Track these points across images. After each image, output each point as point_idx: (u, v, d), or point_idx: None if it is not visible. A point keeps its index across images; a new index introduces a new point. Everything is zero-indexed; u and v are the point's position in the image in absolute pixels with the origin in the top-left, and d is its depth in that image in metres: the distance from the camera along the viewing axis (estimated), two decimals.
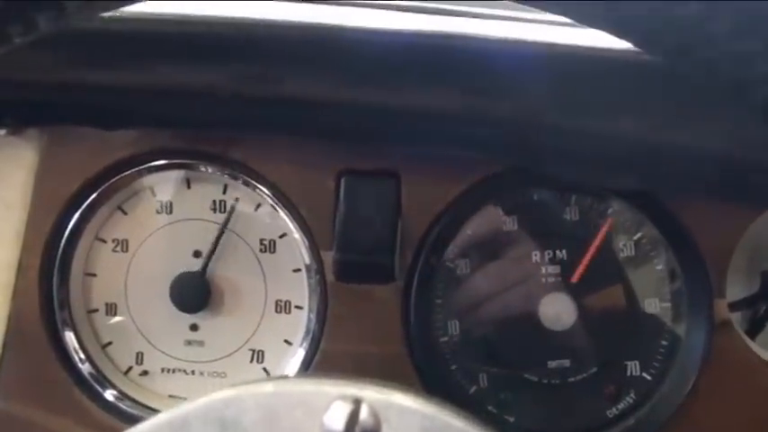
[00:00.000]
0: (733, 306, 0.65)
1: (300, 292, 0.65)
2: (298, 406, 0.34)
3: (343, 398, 0.33)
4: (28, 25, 0.34)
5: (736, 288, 0.68)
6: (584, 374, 0.64)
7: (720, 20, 0.30)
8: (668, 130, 0.55)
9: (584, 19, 0.34)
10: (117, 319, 0.68)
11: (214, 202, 0.66)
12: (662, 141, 0.56)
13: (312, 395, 0.34)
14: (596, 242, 0.63)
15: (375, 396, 0.33)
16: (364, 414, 0.33)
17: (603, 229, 0.63)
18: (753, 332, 0.70)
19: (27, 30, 0.34)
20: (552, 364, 0.64)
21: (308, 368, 0.64)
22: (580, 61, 0.55)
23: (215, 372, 0.67)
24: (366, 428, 0.33)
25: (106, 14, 0.55)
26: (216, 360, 0.67)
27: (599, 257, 0.64)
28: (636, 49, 0.53)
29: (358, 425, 0.33)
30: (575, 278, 0.63)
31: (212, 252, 0.65)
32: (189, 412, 0.33)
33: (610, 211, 0.64)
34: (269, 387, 0.34)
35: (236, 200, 0.66)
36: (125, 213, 0.67)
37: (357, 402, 0.33)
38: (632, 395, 0.64)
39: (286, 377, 0.60)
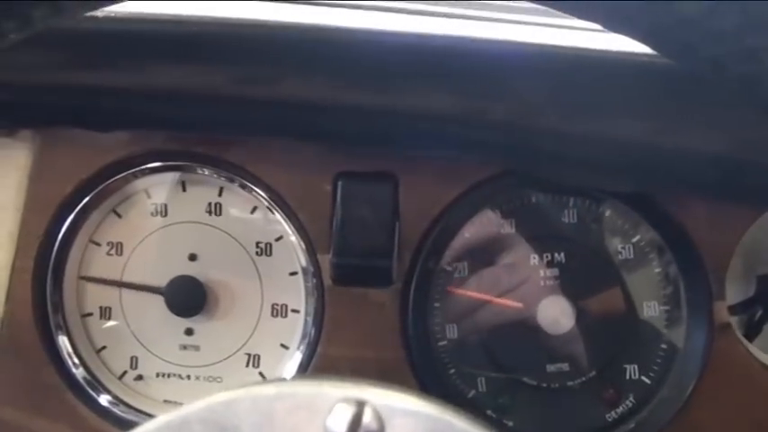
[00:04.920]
0: (730, 310, 0.65)
1: (297, 295, 0.65)
2: (300, 409, 0.33)
3: (346, 400, 0.33)
4: (23, 22, 0.34)
5: (733, 292, 0.67)
6: (583, 378, 0.63)
7: (727, 16, 0.30)
8: (667, 132, 0.55)
9: (582, 12, 0.33)
10: (111, 323, 0.67)
11: (209, 204, 0.65)
12: (660, 144, 0.55)
13: (314, 397, 0.33)
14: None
15: (379, 398, 0.33)
16: (368, 417, 0.32)
17: None
18: (750, 336, 0.69)
19: (22, 26, 0.34)
20: (551, 368, 0.63)
21: (304, 372, 0.63)
22: (578, 64, 0.55)
23: (210, 376, 0.66)
24: (369, 431, 0.32)
25: (100, 15, 0.55)
26: (211, 364, 0.66)
27: (597, 260, 0.63)
28: (634, 50, 0.53)
29: (361, 428, 0.32)
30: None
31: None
32: (188, 415, 0.32)
33: (607, 213, 0.64)
34: (270, 389, 0.33)
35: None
36: (119, 216, 0.66)
37: (360, 405, 0.33)
38: (631, 399, 0.63)
39: (284, 379, 0.59)
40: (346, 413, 0.32)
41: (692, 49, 0.31)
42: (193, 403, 0.33)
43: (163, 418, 0.33)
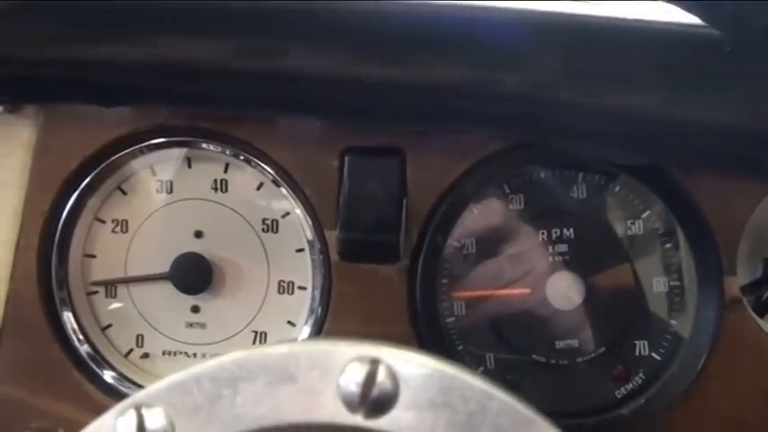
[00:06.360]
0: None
1: (304, 272, 0.64)
2: (312, 367, 0.32)
3: (360, 359, 0.32)
4: None
5: (740, 275, 0.67)
6: (593, 354, 0.63)
7: None
8: (680, 103, 0.54)
9: None
10: (117, 300, 0.66)
11: (215, 181, 0.65)
12: (674, 115, 0.55)
13: (327, 356, 0.32)
14: None
15: (393, 356, 0.32)
16: (382, 376, 0.32)
17: None
18: (759, 316, 0.69)
19: None
20: (560, 344, 0.63)
21: None
22: (592, 34, 0.54)
23: (217, 354, 0.65)
24: (383, 390, 0.32)
25: None
26: (218, 342, 0.66)
27: (606, 236, 0.63)
28: (649, 20, 0.53)
29: (375, 386, 0.32)
30: None
31: None
32: (200, 373, 0.32)
33: (617, 188, 0.63)
34: (283, 348, 0.33)
35: None
36: (124, 193, 0.66)
37: (374, 363, 0.32)
38: (641, 375, 0.63)
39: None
40: (360, 372, 0.32)
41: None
42: (205, 362, 0.33)
43: (176, 377, 0.32)
